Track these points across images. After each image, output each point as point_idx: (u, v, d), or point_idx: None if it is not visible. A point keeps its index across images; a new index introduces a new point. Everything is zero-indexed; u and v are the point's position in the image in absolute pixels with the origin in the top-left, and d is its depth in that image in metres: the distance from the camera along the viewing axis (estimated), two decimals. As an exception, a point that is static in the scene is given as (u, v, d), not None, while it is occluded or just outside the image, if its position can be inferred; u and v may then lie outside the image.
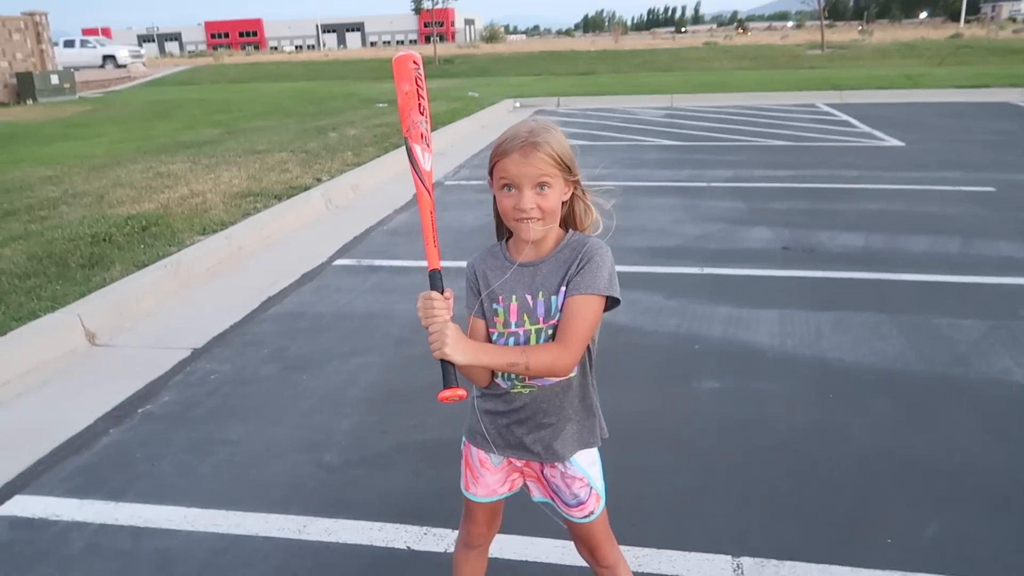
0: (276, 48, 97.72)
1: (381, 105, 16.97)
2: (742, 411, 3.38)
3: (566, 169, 1.68)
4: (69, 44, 38.34)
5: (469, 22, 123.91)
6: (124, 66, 35.06)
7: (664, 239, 6.11)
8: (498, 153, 1.65)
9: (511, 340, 1.71)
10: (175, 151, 10.67)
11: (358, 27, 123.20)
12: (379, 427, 3.31)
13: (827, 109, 14.67)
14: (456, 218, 6.91)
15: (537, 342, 1.69)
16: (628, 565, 1.98)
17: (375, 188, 8.43)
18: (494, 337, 1.73)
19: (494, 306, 1.73)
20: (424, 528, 2.60)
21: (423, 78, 1.70)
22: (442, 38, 49.21)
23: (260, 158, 9.70)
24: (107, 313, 4.49)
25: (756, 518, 2.63)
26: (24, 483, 2.96)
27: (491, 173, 1.70)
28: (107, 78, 31.12)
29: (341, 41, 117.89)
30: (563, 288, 1.67)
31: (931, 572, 2.33)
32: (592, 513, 1.85)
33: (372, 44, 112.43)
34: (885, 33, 43.03)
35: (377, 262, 5.74)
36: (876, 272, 5.14)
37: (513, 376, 1.74)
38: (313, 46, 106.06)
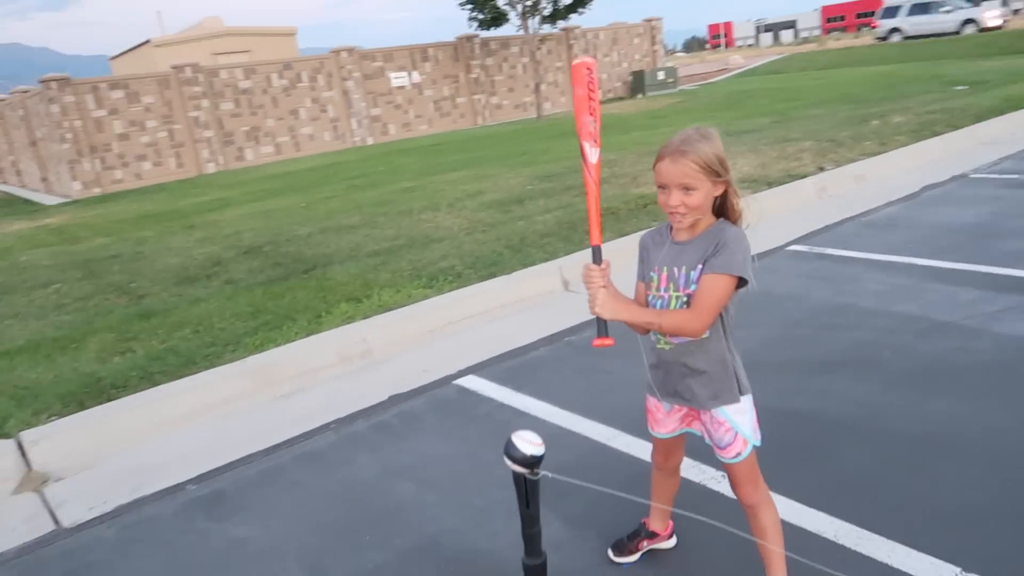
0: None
1: (961, 87, 15.35)
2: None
3: (713, 173, 2.07)
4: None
5: None
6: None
7: None
8: (657, 157, 2.13)
9: (659, 303, 2.19)
10: (716, 139, 11.83)
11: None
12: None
13: None
14: (949, 214, 6.43)
15: (675, 306, 2.15)
16: (775, 510, 2.26)
17: (882, 178, 8.17)
18: (649, 298, 2.23)
19: (651, 274, 2.23)
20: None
21: (596, 82, 2.13)
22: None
23: (784, 147, 10.17)
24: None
25: (1026, 550, 2.42)
26: (477, 369, 4.39)
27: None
28: (707, 71, 34.46)
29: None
30: (700, 265, 2.09)
31: None
32: (738, 455, 2.22)
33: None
34: None
35: (828, 250, 5.88)
36: None
37: (657, 334, 2.22)
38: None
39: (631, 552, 2.61)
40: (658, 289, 2.20)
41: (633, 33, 29.23)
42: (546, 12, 22.91)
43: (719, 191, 2.11)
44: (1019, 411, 3.26)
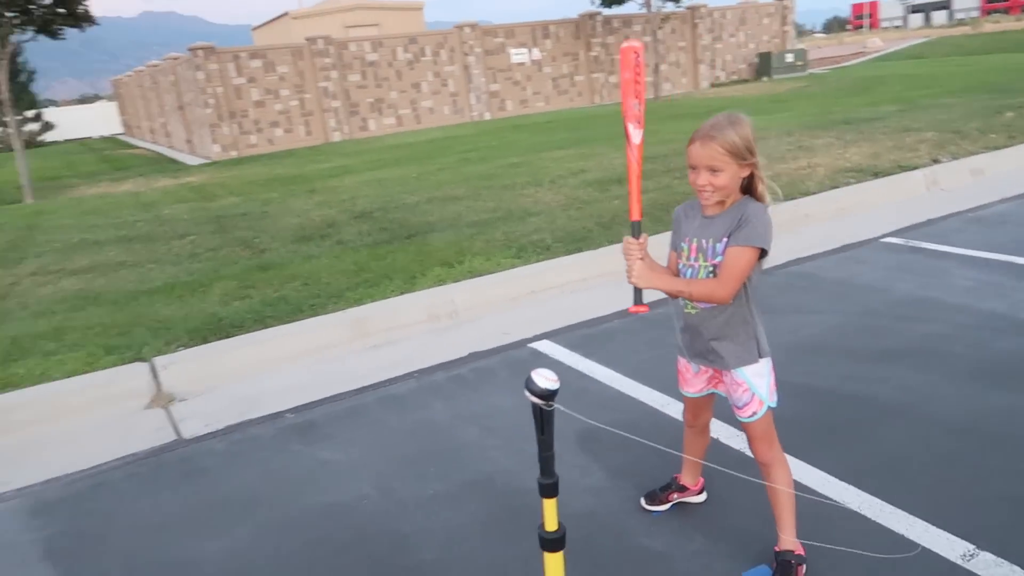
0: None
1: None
2: None
3: (739, 157, 2.24)
4: None
5: None
6: None
7: None
8: (689, 140, 2.32)
9: (689, 271, 2.40)
10: (833, 126, 11.51)
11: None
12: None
13: None
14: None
15: (703, 275, 2.35)
16: (788, 469, 2.45)
17: (1003, 173, 7.80)
18: (680, 266, 2.44)
19: (682, 244, 2.44)
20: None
21: (642, 67, 2.30)
22: None
23: (902, 137, 9.81)
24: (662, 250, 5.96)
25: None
26: (552, 335, 4.69)
27: None
28: (841, 54, 32.87)
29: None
30: (725, 238, 2.29)
31: None
32: (754, 414, 2.42)
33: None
34: None
35: (925, 244, 5.77)
36: None
37: (685, 300, 2.43)
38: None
39: (661, 502, 2.85)
40: (688, 258, 2.41)
41: (763, 13, 28.29)
42: (671, -9, 22.61)
43: (745, 173, 2.28)
44: (1080, 411, 3.25)
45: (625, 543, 2.72)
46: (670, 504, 2.86)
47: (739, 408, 2.44)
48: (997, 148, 8.47)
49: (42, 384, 4.34)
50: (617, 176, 9.14)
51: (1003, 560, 2.41)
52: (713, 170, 2.25)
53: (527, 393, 1.97)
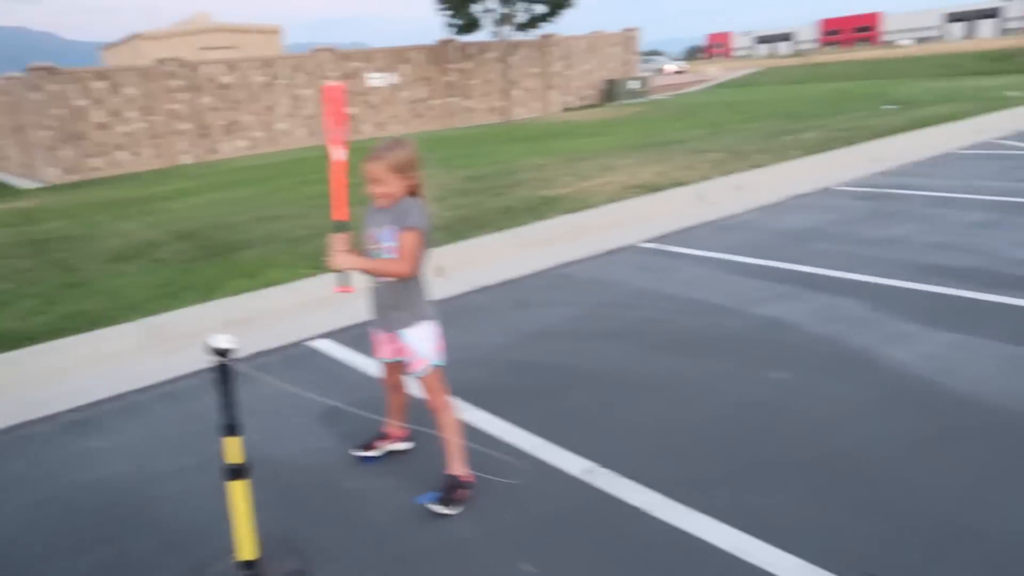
0: (890, 42, 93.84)
1: (889, 107, 16.26)
2: (770, 397, 3.72)
3: (399, 172, 2.90)
4: None
5: None
6: None
7: (966, 259, 5.62)
8: (365, 159, 2.96)
9: (370, 253, 3.04)
10: (644, 149, 12.73)
11: (992, 13, 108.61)
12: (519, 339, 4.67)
13: None
14: (793, 220, 7.33)
15: (375, 255, 2.98)
16: (452, 414, 3.11)
17: (758, 188, 9.04)
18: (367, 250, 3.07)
19: (366, 232, 3.08)
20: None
21: (342, 101, 2.91)
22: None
23: (693, 157, 11.06)
24: (457, 257, 6.66)
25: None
26: (330, 335, 5.25)
27: None
28: (683, 82, 35.39)
29: (971, 30, 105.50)
30: (389, 227, 2.93)
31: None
32: (419, 370, 3.07)
33: (1007, 31, 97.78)
34: None
35: (672, 248, 6.75)
36: None
37: (372, 276, 3.07)
38: (938, 37, 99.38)
39: (368, 448, 3.46)
40: (368, 243, 3.04)
41: (610, 42, 30.13)
42: (521, 20, 23.86)
43: (406, 183, 2.93)
44: (717, 364, 4.13)
45: (329, 485, 3.32)
46: (378, 451, 3.47)
47: (410, 365, 3.09)
48: (760, 167, 9.77)
49: None
50: (455, 190, 9.83)
51: (616, 474, 3.16)
52: (379, 182, 2.90)
53: (208, 354, 2.52)
